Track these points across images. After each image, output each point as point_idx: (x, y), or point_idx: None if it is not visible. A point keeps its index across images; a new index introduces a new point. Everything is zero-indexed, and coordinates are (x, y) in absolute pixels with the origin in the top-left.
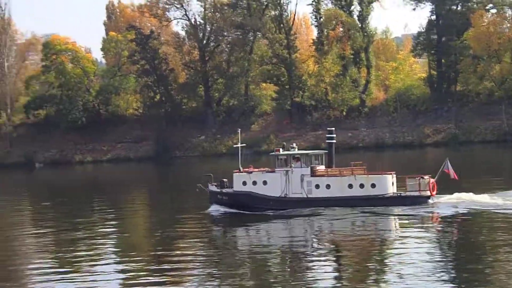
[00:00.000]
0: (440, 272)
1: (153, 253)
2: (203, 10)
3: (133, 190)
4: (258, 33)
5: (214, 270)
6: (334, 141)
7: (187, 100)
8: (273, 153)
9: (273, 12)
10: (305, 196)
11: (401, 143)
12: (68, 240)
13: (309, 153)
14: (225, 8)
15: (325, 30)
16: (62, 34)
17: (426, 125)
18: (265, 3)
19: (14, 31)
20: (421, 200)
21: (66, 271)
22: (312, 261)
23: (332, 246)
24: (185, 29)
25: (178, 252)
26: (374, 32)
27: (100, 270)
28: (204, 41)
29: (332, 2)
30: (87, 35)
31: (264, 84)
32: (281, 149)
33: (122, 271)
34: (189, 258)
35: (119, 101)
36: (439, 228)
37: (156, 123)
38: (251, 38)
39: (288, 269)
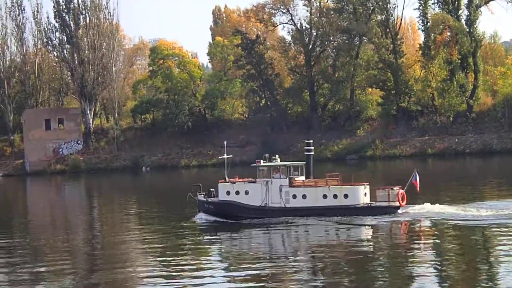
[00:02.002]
0: (406, 275)
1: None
2: (309, 15)
3: None
4: (364, 37)
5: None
6: (312, 153)
7: (292, 105)
8: (254, 164)
9: (379, 17)
10: (283, 205)
11: (509, 149)
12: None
13: (287, 165)
14: (331, 12)
15: (432, 34)
16: (169, 39)
17: None
18: (372, 7)
19: (122, 36)
20: (390, 210)
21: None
22: (290, 266)
23: (303, 252)
24: (291, 34)
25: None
26: (482, 37)
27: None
28: (310, 46)
29: (439, 7)
30: (194, 40)
31: (369, 89)
32: (262, 161)
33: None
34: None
35: (224, 106)
36: (404, 236)
37: (261, 128)
38: (357, 42)
39: (266, 275)
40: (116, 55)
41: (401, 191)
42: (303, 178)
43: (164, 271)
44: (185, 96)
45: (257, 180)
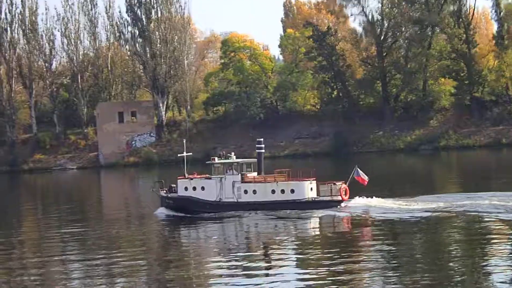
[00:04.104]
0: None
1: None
2: (380, 5)
3: None
4: (436, 28)
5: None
6: (263, 150)
7: (364, 96)
8: (209, 161)
9: (451, 7)
10: (236, 200)
11: None
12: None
13: (240, 162)
14: (403, 3)
15: (506, 24)
16: (240, 32)
17: None
18: None
19: (193, 30)
20: (332, 204)
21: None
22: (245, 257)
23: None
24: (362, 25)
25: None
26: None
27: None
28: (382, 37)
29: None
30: (265, 33)
31: (442, 79)
32: (216, 158)
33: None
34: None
35: (296, 97)
36: (344, 229)
37: (333, 119)
38: (429, 33)
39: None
40: (187, 48)
41: (344, 185)
42: (255, 174)
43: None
44: (256, 88)
45: (212, 176)
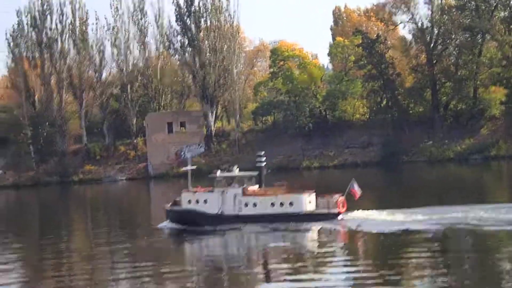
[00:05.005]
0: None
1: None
2: (430, 13)
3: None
4: (487, 34)
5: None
6: (264, 164)
7: (414, 104)
8: (211, 175)
9: (502, 13)
10: (237, 213)
11: None
12: None
13: (241, 175)
14: (453, 10)
15: None
16: (289, 40)
17: None
18: (494, 4)
19: (242, 39)
20: (330, 217)
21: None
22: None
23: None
24: (412, 32)
25: None
26: None
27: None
28: (432, 44)
29: None
30: (314, 41)
31: (493, 87)
32: (218, 172)
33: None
34: None
35: (345, 107)
36: (341, 241)
37: (383, 128)
38: (480, 40)
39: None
40: (237, 57)
41: (341, 198)
42: (256, 187)
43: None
44: (306, 97)
45: (214, 189)
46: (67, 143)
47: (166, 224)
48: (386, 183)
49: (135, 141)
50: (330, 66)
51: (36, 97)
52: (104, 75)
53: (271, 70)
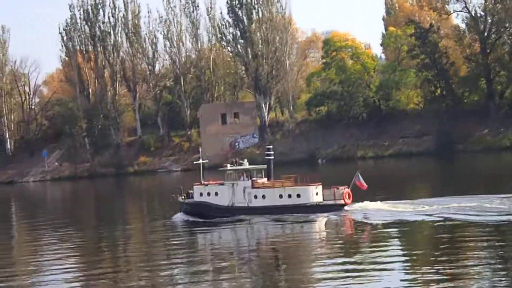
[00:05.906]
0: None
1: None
2: (483, 1)
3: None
4: None
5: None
6: (272, 157)
7: (469, 93)
8: (222, 168)
9: None
10: (247, 205)
11: None
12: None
13: (250, 168)
14: None
15: None
16: (341, 30)
17: None
18: None
19: (294, 30)
20: (336, 208)
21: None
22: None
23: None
24: (465, 21)
25: None
26: None
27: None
28: (485, 33)
29: None
30: (366, 31)
31: None
32: (228, 165)
33: None
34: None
35: (399, 96)
36: (347, 231)
37: (437, 118)
38: None
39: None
40: (289, 48)
41: (347, 190)
42: (265, 180)
43: None
44: (359, 87)
45: (224, 182)
46: (121, 135)
47: (179, 216)
48: (440, 173)
49: (189, 132)
50: (383, 56)
51: (90, 90)
52: (157, 67)
53: (324, 60)
